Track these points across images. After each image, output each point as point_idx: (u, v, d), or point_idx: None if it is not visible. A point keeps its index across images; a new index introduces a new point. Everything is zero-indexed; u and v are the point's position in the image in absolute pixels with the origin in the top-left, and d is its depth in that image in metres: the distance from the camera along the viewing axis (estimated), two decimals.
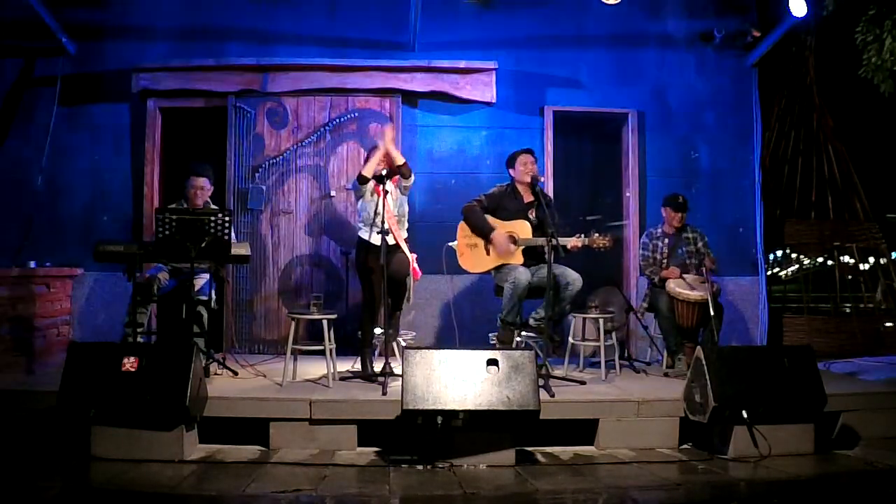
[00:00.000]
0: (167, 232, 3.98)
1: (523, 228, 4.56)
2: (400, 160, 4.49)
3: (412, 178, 4.58)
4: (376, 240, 4.31)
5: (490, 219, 4.60)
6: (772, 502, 3.08)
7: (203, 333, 4.50)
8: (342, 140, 5.80)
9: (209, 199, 4.79)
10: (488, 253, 4.59)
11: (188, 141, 6.01)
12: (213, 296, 4.57)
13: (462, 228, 4.67)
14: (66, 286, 5.20)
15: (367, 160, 4.61)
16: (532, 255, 4.54)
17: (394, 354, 4.51)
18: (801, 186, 6.42)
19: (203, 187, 4.70)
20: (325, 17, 5.91)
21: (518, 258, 4.52)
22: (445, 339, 5.58)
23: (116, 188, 5.77)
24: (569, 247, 4.35)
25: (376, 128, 5.65)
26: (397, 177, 4.55)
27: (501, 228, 4.56)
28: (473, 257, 4.63)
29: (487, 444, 3.47)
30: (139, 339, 4.27)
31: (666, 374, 4.70)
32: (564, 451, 3.76)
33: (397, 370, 3.94)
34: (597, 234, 4.40)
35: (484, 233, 4.56)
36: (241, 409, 3.71)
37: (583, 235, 4.40)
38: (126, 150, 5.79)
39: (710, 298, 4.45)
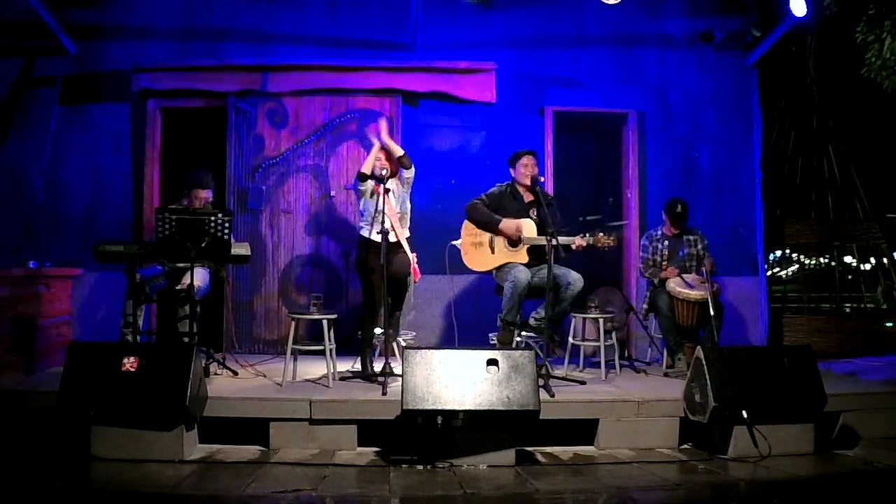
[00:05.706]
0: (167, 232, 3.98)
1: (529, 227, 4.57)
2: (398, 151, 4.51)
3: (413, 168, 4.58)
4: (378, 238, 4.30)
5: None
6: (772, 502, 3.08)
7: (193, 332, 4.45)
8: (342, 140, 5.80)
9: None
10: (493, 251, 4.60)
11: (188, 141, 6.01)
12: (208, 287, 4.52)
13: (466, 227, 4.67)
14: (66, 286, 5.19)
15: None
16: (536, 255, 4.54)
17: (394, 354, 4.51)
18: (801, 186, 6.42)
19: (207, 198, 4.69)
20: (325, 17, 5.91)
21: (523, 257, 4.53)
22: (446, 339, 5.58)
23: (116, 188, 5.77)
24: (573, 246, 4.35)
25: (369, 128, 5.61)
26: (399, 171, 4.54)
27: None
28: (478, 256, 4.63)
29: (487, 444, 3.47)
30: (139, 339, 4.27)
31: (666, 374, 4.71)
32: (564, 451, 3.76)
33: (397, 370, 3.94)
34: (601, 234, 4.39)
35: (492, 225, 4.56)
36: (241, 409, 3.71)
37: (587, 235, 4.40)
38: (126, 150, 5.79)
39: (710, 298, 4.45)
